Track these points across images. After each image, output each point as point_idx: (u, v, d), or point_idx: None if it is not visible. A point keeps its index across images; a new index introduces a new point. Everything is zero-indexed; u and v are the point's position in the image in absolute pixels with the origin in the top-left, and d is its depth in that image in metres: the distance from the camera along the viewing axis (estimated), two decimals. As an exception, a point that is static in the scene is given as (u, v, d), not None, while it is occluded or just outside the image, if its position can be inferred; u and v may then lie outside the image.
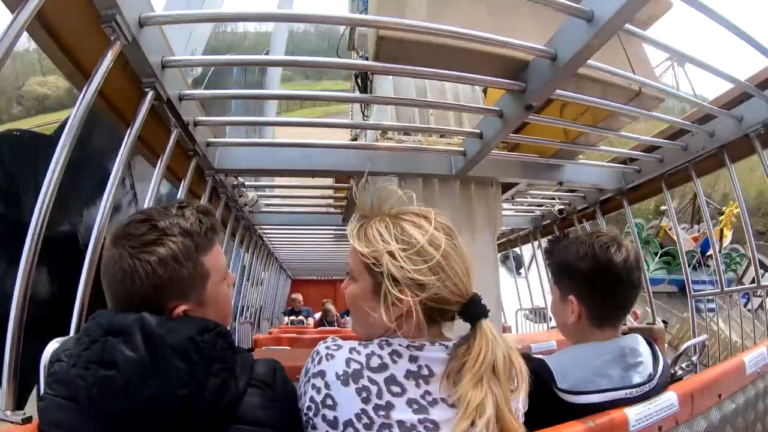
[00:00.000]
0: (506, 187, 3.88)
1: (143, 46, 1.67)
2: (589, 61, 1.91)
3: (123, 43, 1.56)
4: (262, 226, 5.19)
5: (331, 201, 4.63)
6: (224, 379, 0.92)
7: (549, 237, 5.67)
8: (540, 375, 1.22)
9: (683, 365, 2.46)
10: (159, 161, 2.18)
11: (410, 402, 0.95)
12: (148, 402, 0.84)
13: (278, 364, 1.05)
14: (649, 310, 4.02)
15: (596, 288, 1.35)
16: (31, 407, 1.14)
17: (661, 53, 2.26)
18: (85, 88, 1.52)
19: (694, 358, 2.49)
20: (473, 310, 1.04)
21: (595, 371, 1.26)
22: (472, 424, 0.91)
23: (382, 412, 0.94)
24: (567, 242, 1.45)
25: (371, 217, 1.12)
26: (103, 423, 0.87)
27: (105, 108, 1.93)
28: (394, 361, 0.98)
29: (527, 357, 1.14)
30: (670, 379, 1.38)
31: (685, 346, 2.55)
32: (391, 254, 1.02)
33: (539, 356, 1.39)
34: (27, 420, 1.15)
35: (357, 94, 3.60)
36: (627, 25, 1.81)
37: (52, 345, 1.28)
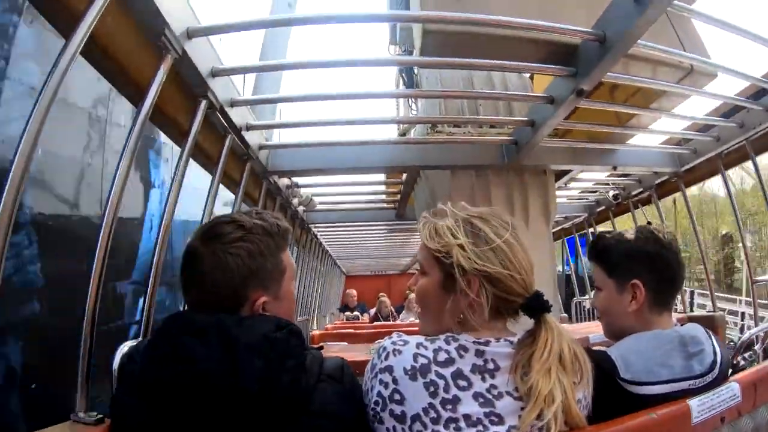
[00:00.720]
0: (559, 174, 3.81)
1: (193, 57, 1.71)
2: (638, 41, 1.87)
3: (174, 56, 1.60)
4: (317, 225, 5.27)
5: (383, 197, 4.65)
6: (297, 374, 0.97)
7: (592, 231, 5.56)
8: (603, 366, 1.22)
9: (745, 355, 2.36)
10: (216, 168, 2.23)
11: (476, 396, 0.96)
12: (223, 397, 0.89)
13: (345, 362, 1.11)
14: (710, 300, 3.87)
15: (663, 269, 1.37)
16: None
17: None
18: (141, 104, 1.57)
19: (756, 347, 2.39)
20: (536, 304, 1.07)
21: (656, 361, 1.23)
22: (540, 413, 0.93)
23: (449, 406, 0.94)
24: (617, 234, 1.48)
25: (439, 215, 1.16)
26: (176, 420, 0.91)
27: (161, 120, 2.00)
28: (461, 356, 0.99)
29: (588, 350, 1.15)
30: (732, 369, 1.34)
31: (747, 335, 2.46)
32: (461, 246, 1.07)
33: (599, 348, 1.38)
34: (100, 421, 1.20)
35: (404, 89, 3.58)
36: (675, 1, 1.72)
37: (124, 347, 1.34)
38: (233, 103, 2.15)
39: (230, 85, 2.11)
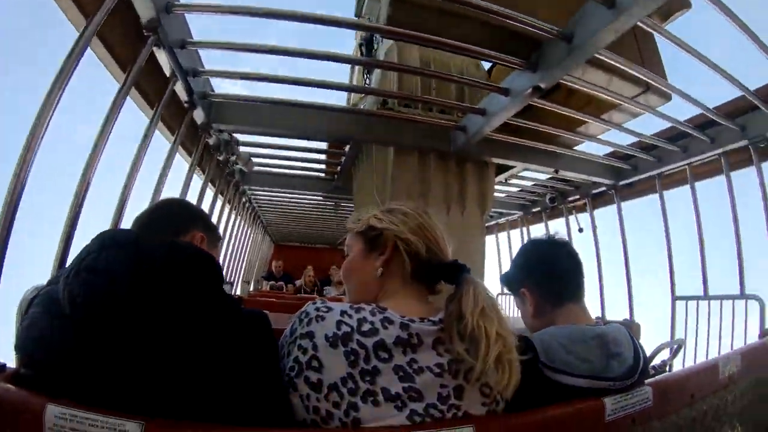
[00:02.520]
0: (500, 169, 3.86)
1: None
2: (602, 49, 1.90)
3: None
4: (251, 187, 5.12)
5: (323, 166, 4.57)
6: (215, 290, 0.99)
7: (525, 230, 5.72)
8: (524, 348, 1.24)
9: (655, 365, 2.51)
10: (156, 110, 2.11)
11: (396, 369, 0.94)
12: (130, 304, 0.87)
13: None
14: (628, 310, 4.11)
15: (544, 270, 1.53)
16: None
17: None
18: (84, 28, 1.46)
19: (667, 359, 2.53)
20: (456, 269, 1.12)
21: (577, 355, 1.26)
22: (492, 354, 0.96)
23: (368, 378, 0.92)
24: None
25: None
26: (85, 331, 0.87)
27: (102, 50, 1.87)
28: (385, 327, 0.97)
29: None
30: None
31: (660, 344, 2.60)
32: (376, 216, 1.22)
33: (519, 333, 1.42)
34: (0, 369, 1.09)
35: (360, 57, 3.51)
36: (644, 19, 1.77)
37: (29, 290, 1.23)
38: (183, 44, 2.04)
39: (183, 24, 2.00)
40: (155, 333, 0.87)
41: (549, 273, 1.51)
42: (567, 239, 1.61)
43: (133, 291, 0.87)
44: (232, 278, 6.34)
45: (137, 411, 0.84)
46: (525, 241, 5.89)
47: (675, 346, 2.77)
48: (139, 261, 0.90)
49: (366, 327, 0.97)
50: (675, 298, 3.61)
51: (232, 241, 5.66)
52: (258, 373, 0.98)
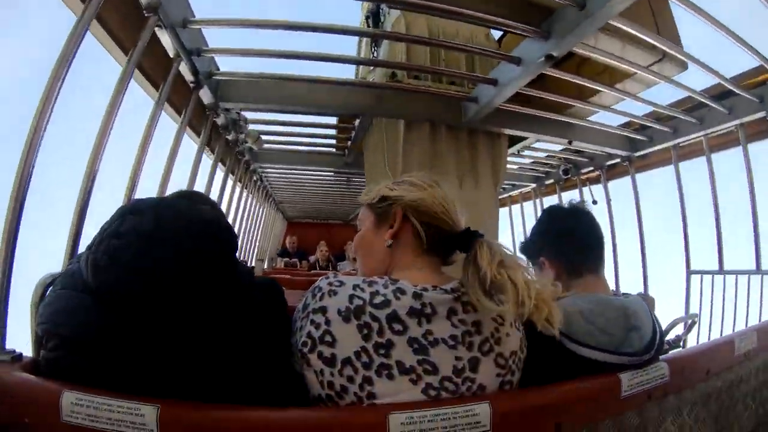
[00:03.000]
0: (513, 140, 3.81)
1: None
2: (616, 17, 1.85)
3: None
4: (262, 165, 5.11)
5: (333, 141, 4.53)
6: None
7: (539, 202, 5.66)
8: None
9: (669, 339, 2.50)
10: (161, 92, 2.08)
11: (411, 341, 0.94)
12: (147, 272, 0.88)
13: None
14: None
15: (564, 240, 1.53)
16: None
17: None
18: (81, 12, 1.42)
19: (681, 333, 2.52)
20: (469, 236, 1.10)
21: (598, 325, 1.25)
22: (522, 303, 0.94)
23: (382, 351, 0.92)
24: None
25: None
26: (106, 302, 0.88)
27: (102, 32, 1.83)
28: (398, 298, 0.96)
29: None
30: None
31: (674, 319, 2.58)
32: (387, 186, 1.23)
33: None
34: (17, 358, 1.09)
35: (367, 29, 3.44)
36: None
37: (44, 277, 1.23)
38: (186, 23, 1.99)
39: (184, 2, 1.95)
40: (170, 304, 0.88)
41: (569, 243, 1.49)
42: (589, 208, 1.57)
43: (150, 258, 0.88)
44: (246, 257, 6.37)
45: (153, 384, 0.86)
46: (539, 214, 5.83)
47: (689, 321, 2.74)
48: (158, 226, 0.91)
49: (378, 299, 0.96)
50: (690, 272, 3.57)
51: (245, 219, 5.66)
52: (271, 349, 0.99)
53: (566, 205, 1.60)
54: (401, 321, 0.95)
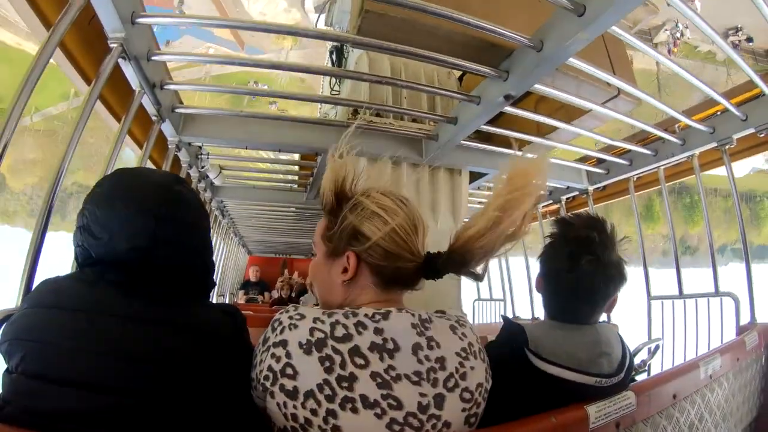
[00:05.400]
0: (474, 176, 3.88)
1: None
2: (572, 57, 1.90)
3: (89, -6, 1.45)
4: (223, 200, 5.05)
5: (295, 178, 4.54)
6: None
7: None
8: (514, 335, 1.27)
9: (636, 364, 2.54)
10: (122, 125, 2.06)
11: (374, 375, 0.93)
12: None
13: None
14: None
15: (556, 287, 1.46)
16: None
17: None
18: (46, 40, 1.42)
19: (646, 358, 2.57)
20: (433, 264, 1.12)
21: (565, 348, 1.26)
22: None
23: (345, 384, 0.91)
24: None
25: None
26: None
27: (66, 63, 1.82)
28: (359, 332, 0.96)
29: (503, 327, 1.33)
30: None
31: (638, 344, 2.63)
32: (349, 203, 1.17)
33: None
34: None
35: (331, 67, 3.51)
36: (614, 27, 1.80)
37: None
38: (150, 56, 2.00)
39: (149, 35, 1.96)
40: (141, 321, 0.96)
41: (557, 289, 1.41)
42: (598, 240, 1.36)
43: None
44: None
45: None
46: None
47: (653, 346, 2.80)
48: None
49: (340, 332, 0.96)
50: (650, 298, 3.67)
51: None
52: (233, 383, 0.99)
53: (571, 236, 1.40)
54: (363, 355, 0.94)
